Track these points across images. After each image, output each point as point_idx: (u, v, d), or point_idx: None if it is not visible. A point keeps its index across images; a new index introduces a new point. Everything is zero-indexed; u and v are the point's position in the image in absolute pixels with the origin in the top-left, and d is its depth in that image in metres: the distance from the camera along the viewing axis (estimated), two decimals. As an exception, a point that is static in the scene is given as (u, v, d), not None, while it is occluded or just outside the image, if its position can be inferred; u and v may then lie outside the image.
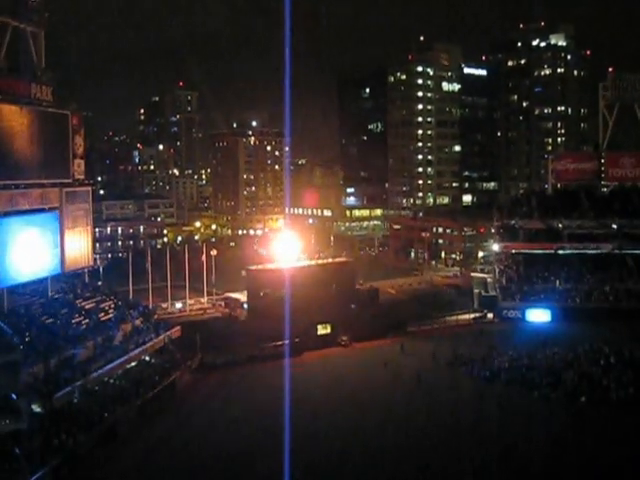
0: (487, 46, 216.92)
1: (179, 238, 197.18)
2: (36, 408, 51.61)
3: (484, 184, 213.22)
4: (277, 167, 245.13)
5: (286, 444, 48.25)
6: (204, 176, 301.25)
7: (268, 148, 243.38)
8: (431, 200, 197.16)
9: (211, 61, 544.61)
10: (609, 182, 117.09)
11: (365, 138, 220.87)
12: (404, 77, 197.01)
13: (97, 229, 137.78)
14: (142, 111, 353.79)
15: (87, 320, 67.95)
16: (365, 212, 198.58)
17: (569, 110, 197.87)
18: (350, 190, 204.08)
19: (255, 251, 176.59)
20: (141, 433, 55.38)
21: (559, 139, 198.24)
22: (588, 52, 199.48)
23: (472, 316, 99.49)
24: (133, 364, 66.25)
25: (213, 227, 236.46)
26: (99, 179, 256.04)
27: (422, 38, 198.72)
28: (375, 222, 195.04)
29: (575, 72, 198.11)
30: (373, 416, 58.76)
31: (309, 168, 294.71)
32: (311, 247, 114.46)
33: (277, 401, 57.21)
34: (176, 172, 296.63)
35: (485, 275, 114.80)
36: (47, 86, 69.74)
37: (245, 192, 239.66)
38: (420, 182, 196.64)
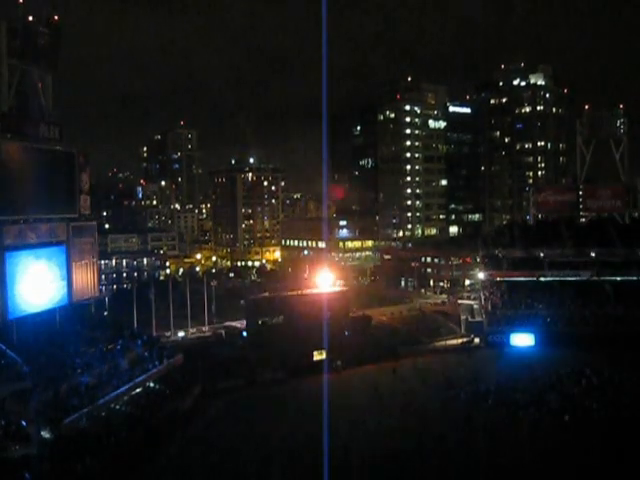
0: (471, 86, 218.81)
1: (181, 270, 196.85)
2: (45, 434, 51.33)
3: (469, 216, 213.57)
4: (274, 201, 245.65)
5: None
6: (204, 210, 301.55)
7: (265, 183, 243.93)
8: (419, 231, 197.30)
9: (210, 101, 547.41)
10: (587, 213, 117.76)
11: (357, 173, 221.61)
12: (393, 115, 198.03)
13: (102, 261, 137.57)
14: (145, 149, 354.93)
15: (94, 349, 67.75)
16: (357, 243, 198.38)
17: (548, 145, 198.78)
18: (342, 223, 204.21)
19: (253, 281, 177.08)
20: (146, 458, 54.91)
21: (539, 172, 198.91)
22: (565, 90, 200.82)
23: (460, 341, 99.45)
24: (138, 390, 65.98)
25: (213, 259, 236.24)
26: (104, 214, 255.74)
27: (410, 78, 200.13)
28: (367, 253, 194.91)
29: (554, 109, 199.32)
30: (366, 438, 58.41)
31: (303, 202, 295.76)
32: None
33: (278, 427, 56.84)
34: (178, 207, 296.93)
35: (471, 302, 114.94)
36: (55, 126, 70.09)
37: (243, 225, 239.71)
38: (409, 214, 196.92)
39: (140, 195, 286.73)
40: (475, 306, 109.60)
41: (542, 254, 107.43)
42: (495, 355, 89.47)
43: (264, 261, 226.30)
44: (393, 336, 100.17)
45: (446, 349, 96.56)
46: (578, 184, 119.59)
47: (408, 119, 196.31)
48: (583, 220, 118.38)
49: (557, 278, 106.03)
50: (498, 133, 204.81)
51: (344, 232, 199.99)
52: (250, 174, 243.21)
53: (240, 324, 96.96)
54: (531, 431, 58.78)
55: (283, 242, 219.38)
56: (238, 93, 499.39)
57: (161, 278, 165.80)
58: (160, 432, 59.74)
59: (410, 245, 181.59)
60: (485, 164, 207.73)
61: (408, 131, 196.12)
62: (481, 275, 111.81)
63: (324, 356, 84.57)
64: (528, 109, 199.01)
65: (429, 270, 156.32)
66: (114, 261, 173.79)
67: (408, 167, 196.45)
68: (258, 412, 66.36)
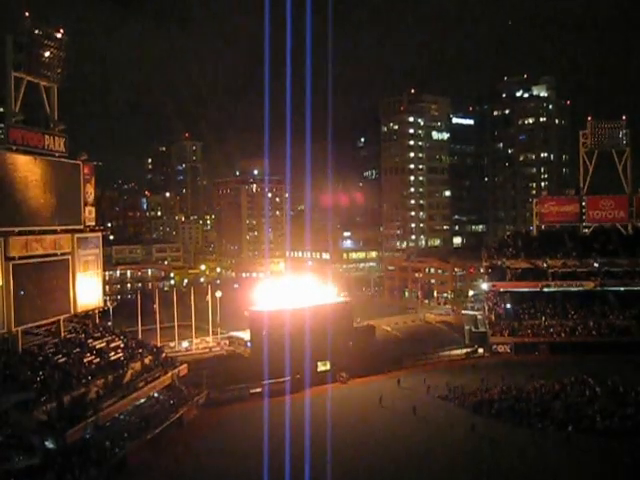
0: (474, 97, 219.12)
1: (185, 280, 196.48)
2: (49, 444, 51.19)
3: (473, 227, 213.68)
4: (278, 212, 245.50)
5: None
6: (209, 221, 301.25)
7: (269, 195, 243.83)
8: (423, 242, 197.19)
9: (214, 113, 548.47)
10: (590, 223, 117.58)
11: (361, 184, 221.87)
12: (397, 127, 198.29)
13: (107, 272, 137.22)
14: (150, 160, 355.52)
15: (98, 359, 67.74)
16: (361, 254, 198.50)
17: (551, 156, 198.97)
18: (347, 234, 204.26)
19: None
20: (150, 467, 54.79)
21: (542, 183, 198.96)
22: (568, 102, 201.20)
23: (464, 351, 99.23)
24: (142, 400, 65.91)
25: (218, 270, 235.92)
26: (109, 225, 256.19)
27: (413, 90, 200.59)
28: (371, 264, 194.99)
29: (556, 121, 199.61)
30: (371, 449, 58.32)
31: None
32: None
33: (279, 437, 56.68)
34: (182, 218, 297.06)
35: (475, 312, 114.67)
36: (60, 137, 70.31)
37: (248, 236, 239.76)
38: (413, 225, 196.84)
39: (145, 206, 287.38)
40: (479, 316, 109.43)
41: (545, 264, 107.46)
42: (499, 365, 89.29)
43: (269, 272, 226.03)
44: (397, 347, 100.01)
45: (450, 359, 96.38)
46: (581, 195, 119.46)
47: (412, 130, 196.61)
48: (586, 230, 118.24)
49: (560, 288, 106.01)
50: (501, 144, 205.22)
51: (348, 243, 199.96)
52: (254, 186, 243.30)
53: (244, 335, 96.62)
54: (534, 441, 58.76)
55: (287, 253, 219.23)
56: (243, 104, 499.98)
57: (165, 289, 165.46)
58: (163, 442, 59.70)
59: (414, 256, 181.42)
60: (488, 175, 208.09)
61: (412, 142, 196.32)
62: (485, 286, 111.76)
63: (328, 367, 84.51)
64: (531, 120, 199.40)
65: (433, 281, 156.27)
66: (118, 272, 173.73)
67: (412, 178, 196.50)
68: (260, 424, 66.19)
